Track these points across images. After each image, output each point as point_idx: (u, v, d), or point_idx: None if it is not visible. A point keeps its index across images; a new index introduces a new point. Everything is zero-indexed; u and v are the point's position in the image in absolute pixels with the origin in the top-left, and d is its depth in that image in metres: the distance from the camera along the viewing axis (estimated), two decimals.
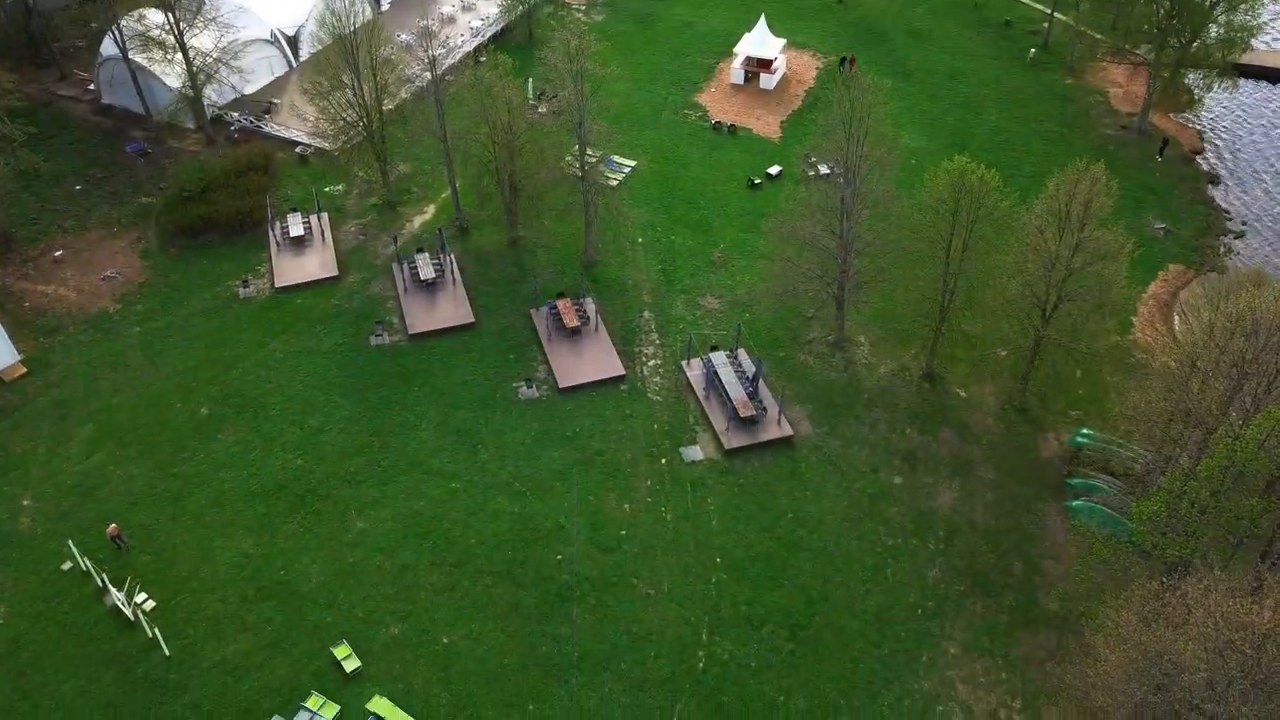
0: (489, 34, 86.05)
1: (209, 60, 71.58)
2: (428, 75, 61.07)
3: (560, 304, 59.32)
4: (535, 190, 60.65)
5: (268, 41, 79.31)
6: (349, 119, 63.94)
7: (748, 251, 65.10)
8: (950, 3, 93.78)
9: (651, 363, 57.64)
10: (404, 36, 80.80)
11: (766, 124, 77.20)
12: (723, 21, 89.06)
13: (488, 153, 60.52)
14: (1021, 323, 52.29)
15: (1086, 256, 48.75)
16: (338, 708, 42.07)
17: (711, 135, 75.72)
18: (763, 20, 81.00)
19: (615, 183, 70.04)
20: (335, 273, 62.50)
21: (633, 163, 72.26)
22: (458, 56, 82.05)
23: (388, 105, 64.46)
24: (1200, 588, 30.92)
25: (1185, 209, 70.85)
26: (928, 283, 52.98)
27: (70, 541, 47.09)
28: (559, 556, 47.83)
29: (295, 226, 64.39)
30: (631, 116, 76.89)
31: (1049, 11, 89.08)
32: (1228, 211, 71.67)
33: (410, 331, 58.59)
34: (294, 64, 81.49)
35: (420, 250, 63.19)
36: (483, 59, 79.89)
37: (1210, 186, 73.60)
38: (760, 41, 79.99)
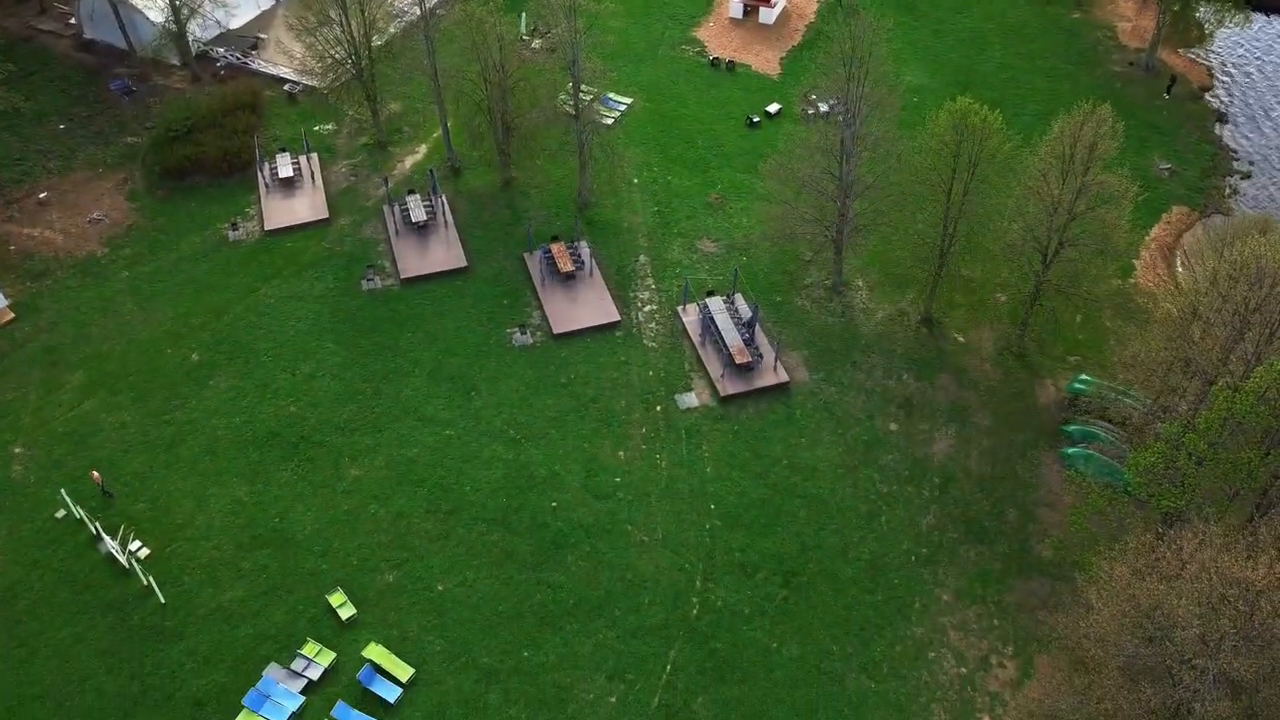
0: None
1: None
2: (417, 10, 59.37)
3: (554, 248, 58.47)
4: (528, 130, 59.41)
5: None
6: (337, 56, 62.35)
7: (746, 193, 64.01)
8: None
9: (647, 308, 57.00)
10: None
11: (765, 60, 75.42)
12: None
13: (479, 91, 59.11)
14: (1021, 267, 51.60)
15: (1089, 201, 47.87)
16: (334, 655, 42.33)
17: (709, 72, 74.01)
18: None
19: (610, 121, 68.60)
20: (325, 215, 61.50)
21: (628, 100, 70.73)
22: None
23: (377, 42, 62.84)
24: (1195, 542, 30.79)
25: (1191, 148, 69.53)
26: (927, 226, 52.17)
27: (63, 490, 46.97)
28: (553, 504, 47.77)
29: (284, 168, 63.19)
30: (627, 52, 75.08)
31: None
32: (1235, 151, 70.36)
33: (402, 276, 57.84)
34: None
35: (412, 192, 62.11)
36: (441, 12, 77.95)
37: (1218, 125, 72.14)
38: None
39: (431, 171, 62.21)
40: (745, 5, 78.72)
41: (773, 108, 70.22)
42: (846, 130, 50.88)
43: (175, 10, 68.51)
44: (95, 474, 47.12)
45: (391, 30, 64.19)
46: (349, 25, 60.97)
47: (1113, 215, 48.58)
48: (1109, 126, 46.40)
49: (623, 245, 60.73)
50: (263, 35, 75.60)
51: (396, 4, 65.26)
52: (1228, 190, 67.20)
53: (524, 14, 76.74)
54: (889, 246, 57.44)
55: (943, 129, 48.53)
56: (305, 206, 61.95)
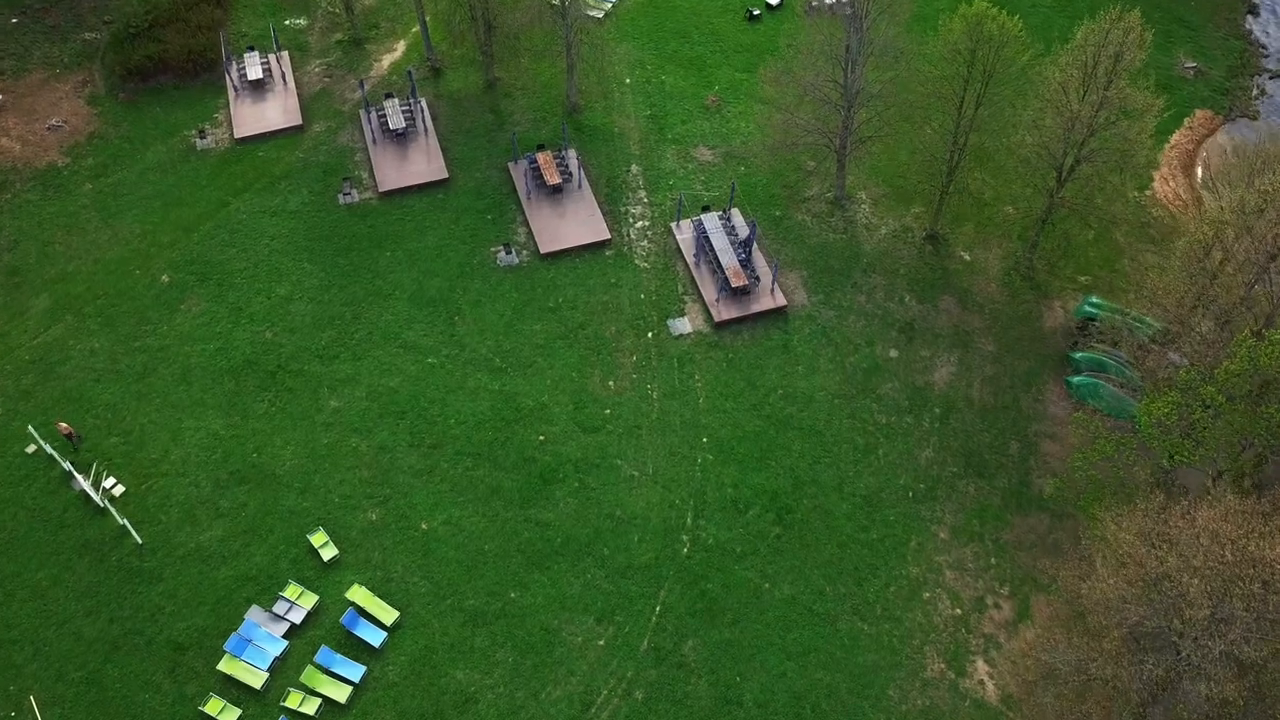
0: None
1: None
2: None
3: (540, 158, 55.27)
4: (512, 29, 55.36)
5: None
6: None
7: (744, 94, 60.29)
8: None
9: (639, 224, 54.25)
10: None
11: None
12: None
13: None
14: (1034, 183, 48.71)
15: (1110, 114, 44.66)
16: (316, 597, 41.52)
17: None
18: None
19: (600, 14, 64.23)
20: (299, 121, 57.96)
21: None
22: None
23: None
24: (1211, 513, 29.25)
25: (1219, 44, 65.30)
26: (936, 139, 49.02)
27: (31, 427, 45.34)
28: (541, 437, 46.27)
29: (253, 68, 59.25)
30: None
31: None
32: (1265, 48, 66.11)
33: (380, 189, 54.82)
34: None
35: (389, 96, 58.40)
36: None
37: (1250, 19, 67.63)
38: None
39: (410, 73, 58.35)
40: None
41: None
42: (853, 34, 47.13)
43: None
44: (62, 424, 45.15)
45: None
46: None
47: (1134, 130, 45.42)
48: (1137, 34, 42.76)
49: (613, 153, 57.46)
50: None
51: None
52: (1255, 91, 63.37)
53: None
54: (894, 158, 54.50)
55: (956, 36, 44.88)
56: (277, 112, 58.33)
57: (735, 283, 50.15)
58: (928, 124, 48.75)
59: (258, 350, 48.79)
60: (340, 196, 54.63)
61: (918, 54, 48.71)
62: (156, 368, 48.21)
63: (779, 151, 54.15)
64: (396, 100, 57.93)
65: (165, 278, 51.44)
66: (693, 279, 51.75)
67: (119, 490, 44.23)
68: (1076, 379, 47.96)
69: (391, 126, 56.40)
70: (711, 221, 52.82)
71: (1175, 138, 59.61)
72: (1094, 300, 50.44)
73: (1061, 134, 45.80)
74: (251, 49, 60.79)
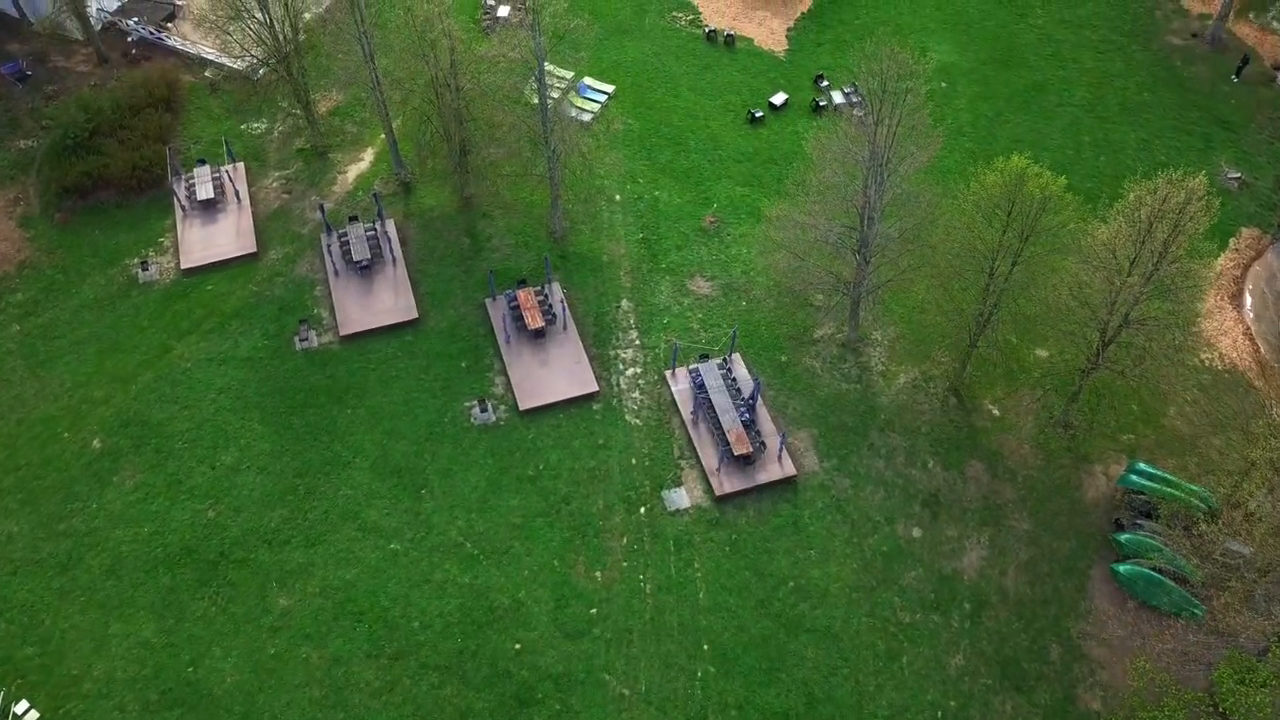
0: None
1: None
2: None
3: (521, 296, 49.68)
4: (490, 159, 49.84)
5: None
6: (258, 56, 52.13)
7: (746, 212, 54.81)
8: None
9: (630, 371, 48.69)
10: None
11: (770, 31, 64.67)
12: None
13: (428, 105, 49.24)
14: (1074, 341, 43.26)
15: (1164, 286, 39.29)
16: None
17: (705, 48, 63.40)
18: None
19: (589, 117, 58.70)
20: (253, 248, 52.29)
21: (610, 88, 60.49)
22: None
23: (304, 37, 52.42)
24: None
25: (1264, 149, 59.82)
26: (963, 295, 43.58)
27: None
28: (517, 645, 40.64)
29: (204, 186, 53.58)
30: (610, 21, 64.34)
31: None
32: None
33: (342, 333, 49.20)
34: None
35: (353, 218, 52.79)
36: None
37: None
38: None
39: (376, 195, 52.73)
40: None
41: (778, 98, 60.05)
42: (872, 186, 41.60)
43: None
44: None
45: (310, 13, 52.44)
46: (269, 17, 50.44)
47: (1190, 299, 40.13)
48: (1201, 202, 37.30)
49: (602, 285, 51.89)
50: (181, 1, 64.45)
51: None
52: None
53: None
54: (912, 294, 49.07)
55: (993, 193, 39.42)
56: (229, 236, 52.66)
57: (739, 450, 44.61)
58: (954, 281, 43.28)
59: (198, 534, 43.11)
60: (297, 340, 49.00)
61: (945, 202, 43.29)
62: (83, 557, 42.52)
63: (785, 297, 48.81)
64: (361, 224, 52.34)
65: (97, 443, 45.75)
66: (690, 440, 46.20)
67: (32, 718, 38.51)
68: (1123, 568, 42.50)
69: (355, 258, 50.76)
70: (710, 373, 47.28)
71: (1221, 263, 54.18)
72: (1140, 467, 44.94)
73: (1107, 296, 40.45)
74: (202, 162, 55.13)
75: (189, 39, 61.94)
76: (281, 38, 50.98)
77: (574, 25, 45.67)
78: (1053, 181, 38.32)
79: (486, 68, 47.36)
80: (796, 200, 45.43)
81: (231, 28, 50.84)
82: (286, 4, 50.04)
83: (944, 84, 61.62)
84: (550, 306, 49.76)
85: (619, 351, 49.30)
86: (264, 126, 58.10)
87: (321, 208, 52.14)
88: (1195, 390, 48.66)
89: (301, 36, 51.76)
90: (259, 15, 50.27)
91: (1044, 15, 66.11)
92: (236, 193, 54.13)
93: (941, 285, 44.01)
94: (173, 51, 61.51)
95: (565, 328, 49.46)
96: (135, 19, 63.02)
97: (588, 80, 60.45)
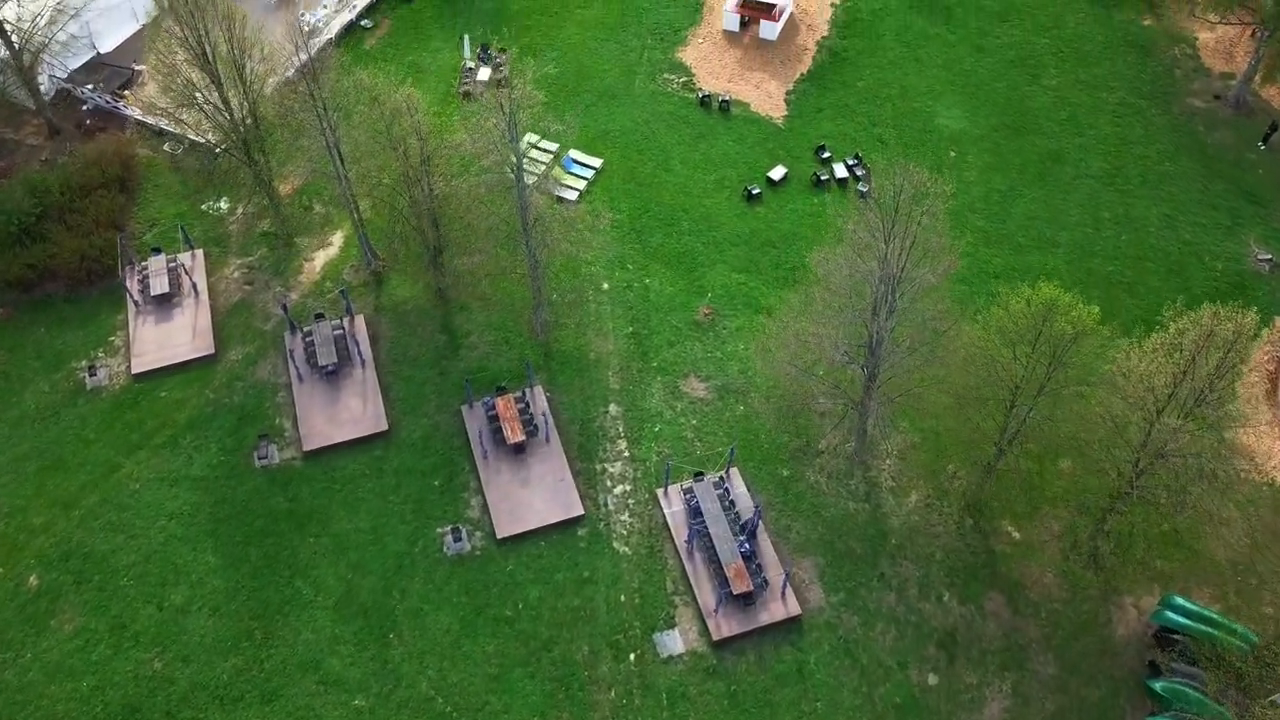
0: None
1: (40, 17, 53.88)
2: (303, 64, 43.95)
3: (500, 405, 45.75)
4: (466, 267, 45.97)
5: None
6: (213, 139, 48.19)
7: (742, 303, 50.97)
8: None
9: (619, 488, 44.80)
10: None
11: (768, 95, 60.75)
12: None
13: (400, 198, 45.33)
14: (1102, 470, 39.45)
15: (1205, 423, 35.55)
16: None
17: (698, 114, 59.46)
18: None
19: (575, 195, 54.82)
20: (211, 349, 48.31)
21: (598, 162, 56.57)
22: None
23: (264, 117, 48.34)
24: None
25: None
26: (980, 416, 39.75)
27: None
28: None
29: (158, 278, 49.61)
30: (597, 84, 60.50)
31: None
32: None
33: (305, 448, 45.25)
34: (165, 4, 63.56)
35: (320, 315, 48.85)
36: (366, 24, 62.73)
37: None
38: None
39: (344, 293, 48.79)
40: (742, 16, 63.43)
41: (777, 172, 56.16)
42: (880, 308, 37.65)
43: (8, 43, 52.93)
44: None
45: (271, 86, 48.07)
46: (225, 96, 46.34)
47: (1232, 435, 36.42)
48: (1247, 339, 33.50)
49: (588, 388, 47.99)
50: (139, 66, 60.36)
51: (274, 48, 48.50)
52: None
53: (466, 36, 61.63)
54: (923, 398, 45.12)
55: (1019, 324, 35.55)
56: (185, 336, 48.69)
57: (738, 588, 40.74)
58: (971, 400, 39.42)
59: (143, 689, 39.15)
60: (256, 457, 45.05)
61: (958, 310, 39.51)
62: (13, 719, 38.57)
63: (788, 399, 44.94)
64: (328, 322, 48.40)
65: (34, 579, 41.79)
66: (685, 572, 42.31)
67: None
68: None
69: (321, 362, 46.81)
70: (707, 495, 43.38)
71: (1255, 355, 50.38)
72: (1176, 602, 41.15)
73: (1141, 427, 36.66)
74: (157, 250, 51.14)
75: (149, 109, 57.85)
76: (240, 124, 46.96)
77: (554, 129, 41.75)
78: (1086, 315, 34.45)
79: (460, 166, 43.43)
80: (798, 312, 41.52)
81: (185, 114, 46.87)
82: (243, 89, 45.96)
83: (953, 153, 57.83)
84: (531, 416, 45.84)
85: (606, 465, 45.42)
86: (226, 207, 54.14)
87: (284, 307, 48.16)
88: (1230, 507, 44.84)
89: (260, 124, 47.56)
90: (213, 100, 46.27)
91: (1058, 75, 62.28)
92: (194, 286, 50.15)
93: (957, 404, 40.17)
94: (130, 121, 57.51)
95: (548, 439, 45.55)
96: (90, 86, 59.02)
97: (574, 154, 56.56)
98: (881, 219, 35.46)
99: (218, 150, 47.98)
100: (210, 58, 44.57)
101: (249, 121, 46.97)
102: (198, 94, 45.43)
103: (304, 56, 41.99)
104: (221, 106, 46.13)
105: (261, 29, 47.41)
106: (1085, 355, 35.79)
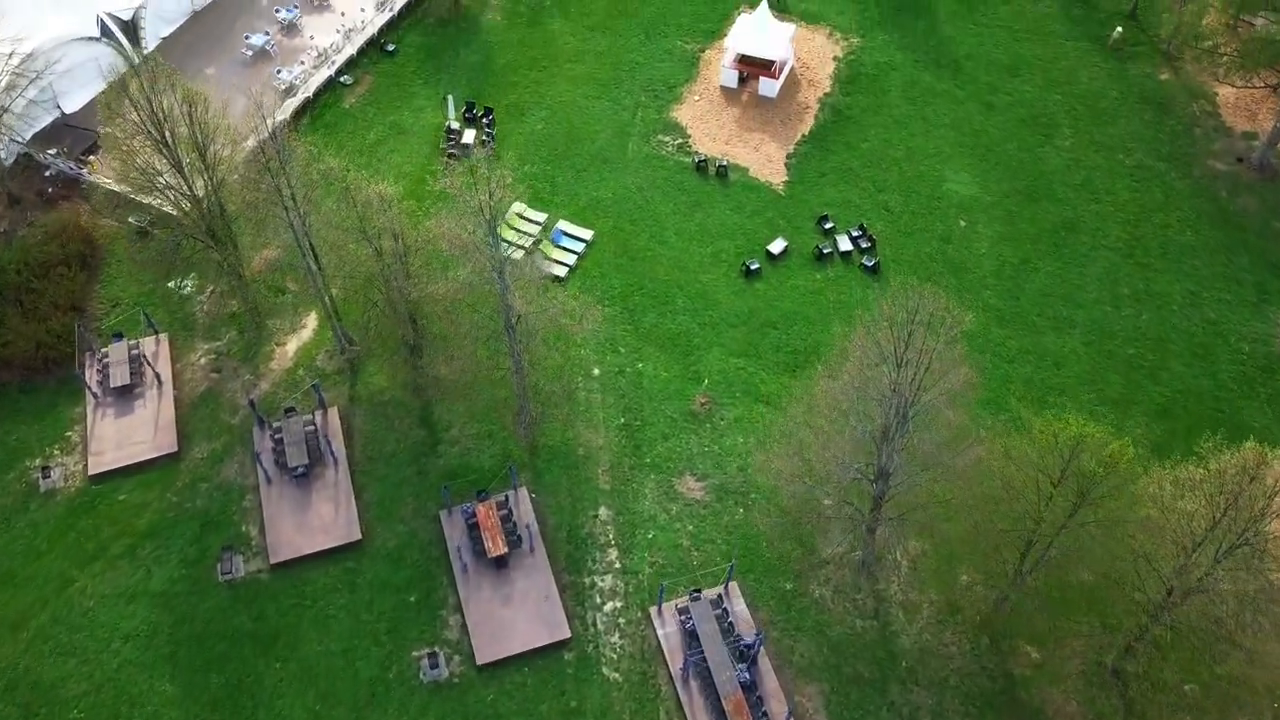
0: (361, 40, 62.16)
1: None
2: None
3: (481, 513, 42.68)
4: (445, 374, 43.00)
5: (92, 39, 58.14)
6: (172, 225, 45.22)
7: (741, 390, 47.96)
8: None
9: (609, 605, 41.75)
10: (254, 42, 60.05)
11: (767, 158, 57.72)
12: None
13: (376, 290, 42.29)
14: (1133, 600, 36.46)
15: (1247, 559, 32.61)
16: None
17: (695, 180, 56.45)
18: (764, 4, 59.92)
19: (564, 271, 51.85)
20: (173, 447, 45.28)
21: (588, 234, 53.55)
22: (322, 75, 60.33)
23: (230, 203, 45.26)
24: None
25: None
26: (999, 540, 36.76)
27: None
28: None
29: (119, 370, 46.55)
30: (588, 146, 57.54)
31: None
32: None
33: (272, 560, 42.19)
34: (137, 60, 60.59)
35: (290, 410, 45.80)
36: (345, 80, 59.72)
37: None
38: (759, 31, 59.17)
39: (316, 387, 45.75)
40: (740, 72, 60.42)
41: (777, 245, 53.15)
42: (886, 445, 34.56)
43: None
44: None
45: (239, 171, 45.00)
46: (186, 178, 43.22)
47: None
48: None
49: (577, 488, 44.96)
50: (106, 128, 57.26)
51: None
52: None
53: (450, 97, 58.62)
54: (934, 499, 42.13)
55: (1046, 460, 32.51)
56: (146, 431, 45.65)
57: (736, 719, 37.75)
58: (988, 528, 36.40)
59: None
60: (219, 570, 41.98)
61: (978, 426, 36.54)
62: None
63: (792, 501, 41.92)
64: (300, 417, 45.35)
65: None
66: (679, 702, 39.24)
67: None
68: None
69: (291, 464, 43.75)
70: (704, 616, 40.30)
71: None
72: None
73: (1178, 562, 33.71)
74: (119, 336, 48.11)
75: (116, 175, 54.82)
76: (204, 208, 43.88)
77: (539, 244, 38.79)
78: (1119, 448, 31.42)
79: (439, 266, 40.42)
80: (801, 420, 38.54)
81: (147, 199, 43.89)
82: (207, 173, 42.88)
83: (963, 222, 54.87)
84: (515, 524, 42.77)
85: (596, 579, 42.37)
86: (193, 287, 51.11)
87: (252, 403, 45.09)
88: (1263, 620, 41.83)
89: (225, 211, 44.43)
90: (176, 184, 43.21)
91: (1072, 135, 59.26)
92: (157, 376, 47.08)
93: (973, 529, 37.16)
94: (95, 190, 54.40)
95: (533, 550, 42.51)
96: (54, 151, 55.96)
97: (563, 225, 53.57)
98: (894, 342, 32.46)
99: (179, 236, 44.73)
100: (170, 142, 41.49)
101: (213, 206, 43.89)
102: (159, 178, 42.28)
103: (270, 150, 38.79)
104: (184, 192, 43.05)
105: (227, 105, 44.28)
106: (1115, 497, 32.72)
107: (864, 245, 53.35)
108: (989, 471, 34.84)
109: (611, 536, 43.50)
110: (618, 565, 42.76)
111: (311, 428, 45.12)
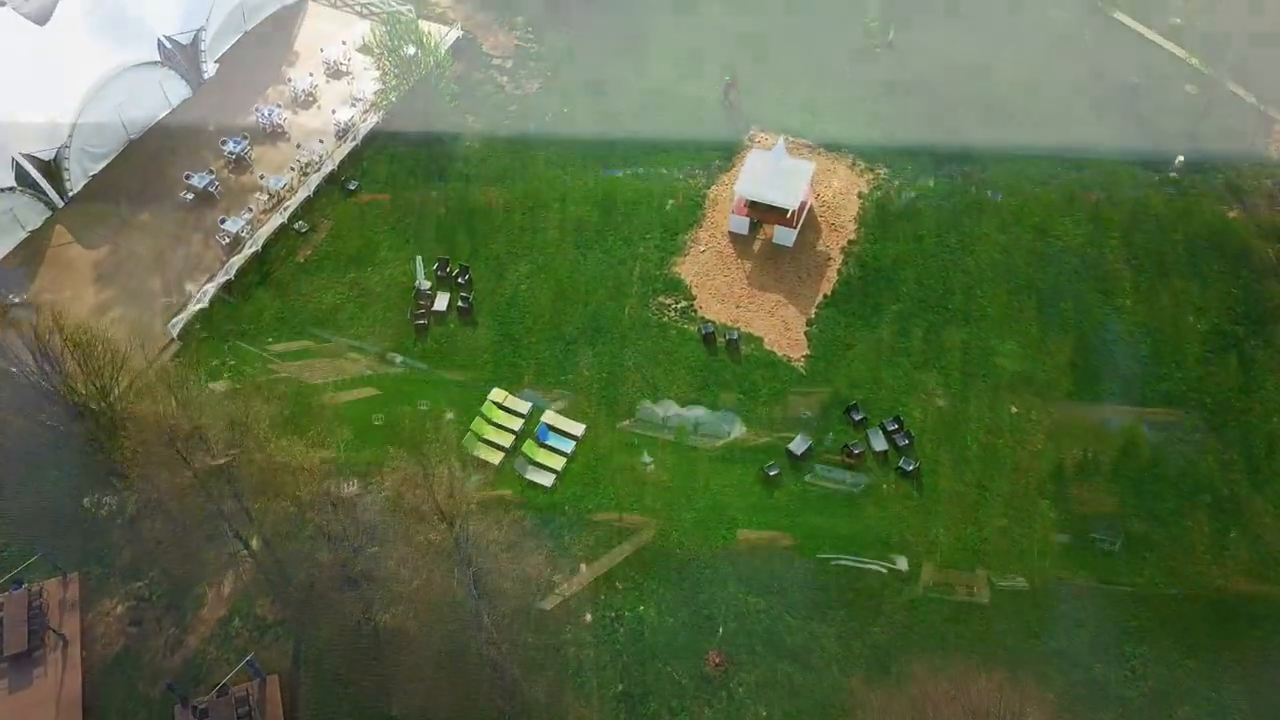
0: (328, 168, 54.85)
1: None
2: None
3: None
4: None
5: (6, 190, 50.47)
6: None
7: (763, 641, 40.42)
8: (1045, 41, 63.20)
9: None
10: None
11: (785, 325, 49.94)
12: (710, 85, 59.34)
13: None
14: None
15: None
16: None
17: (702, 354, 48.79)
18: (781, 143, 52.19)
19: (550, 480, 44.23)
20: None
21: (579, 429, 45.88)
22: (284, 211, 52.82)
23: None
24: None
25: None
26: None
27: None
28: None
29: (15, 633, 38.78)
30: (579, 311, 50.06)
31: (1197, 65, 59.62)
32: None
33: None
34: (59, 204, 52.99)
35: (222, 690, 38.03)
36: (300, 227, 52.18)
37: None
38: (773, 173, 51.40)
39: (250, 662, 38.00)
40: (751, 219, 52.66)
41: (799, 445, 45.43)
42: None
43: None
44: None
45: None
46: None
47: None
48: None
49: None
50: (18, 298, 49.41)
51: None
52: None
53: (419, 258, 50.86)
54: None
55: None
56: (45, 713, 37.82)
57: None
58: None
59: None
60: None
61: None
62: None
63: None
64: (231, 696, 37.62)
65: None
66: None
67: None
68: None
69: None
70: None
71: None
72: None
73: None
74: (18, 584, 40.32)
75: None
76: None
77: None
78: None
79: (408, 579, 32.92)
80: None
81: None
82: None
83: (1014, 409, 47.24)
84: None
85: None
86: (114, 503, 43.33)
87: (170, 686, 37.30)
88: None
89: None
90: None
91: (1132, 292, 51.44)
92: (61, 637, 39.27)
93: None
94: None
95: None
96: None
97: (549, 418, 45.92)
98: None
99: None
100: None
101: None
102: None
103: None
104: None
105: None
106: None
107: (901, 443, 45.73)
108: None
109: None
110: None
111: (245, 709, 37.35)
